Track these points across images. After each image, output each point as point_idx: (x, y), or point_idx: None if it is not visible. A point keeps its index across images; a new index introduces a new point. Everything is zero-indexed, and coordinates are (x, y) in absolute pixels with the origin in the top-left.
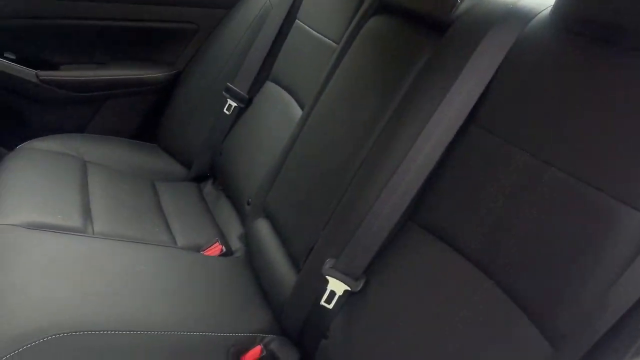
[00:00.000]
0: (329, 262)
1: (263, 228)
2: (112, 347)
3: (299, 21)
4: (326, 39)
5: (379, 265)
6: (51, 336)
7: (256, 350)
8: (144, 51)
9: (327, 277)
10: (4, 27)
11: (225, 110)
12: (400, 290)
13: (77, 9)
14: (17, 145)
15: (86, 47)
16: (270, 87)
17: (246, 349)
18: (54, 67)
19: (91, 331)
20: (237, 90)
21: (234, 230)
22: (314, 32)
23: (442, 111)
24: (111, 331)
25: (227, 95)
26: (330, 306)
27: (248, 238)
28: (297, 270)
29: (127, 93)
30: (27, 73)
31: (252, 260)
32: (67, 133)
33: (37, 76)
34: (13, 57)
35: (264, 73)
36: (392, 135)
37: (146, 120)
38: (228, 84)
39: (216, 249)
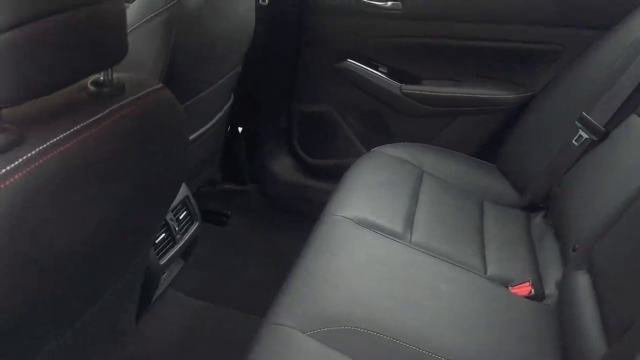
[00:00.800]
0: None
1: (582, 282)
2: (392, 354)
3: None
4: None
5: None
6: (349, 327)
7: None
8: (501, 71)
9: None
10: (382, 45)
11: (574, 141)
12: None
13: (445, 29)
14: (374, 147)
15: (446, 64)
16: (634, 121)
17: None
18: (416, 81)
19: (380, 334)
20: (593, 121)
21: (551, 274)
22: None
23: None
24: (397, 340)
25: (579, 125)
26: None
27: (563, 288)
28: (607, 344)
29: (477, 111)
30: (393, 86)
31: (560, 313)
32: (414, 142)
33: (401, 89)
34: (385, 70)
35: (630, 105)
36: None
37: (489, 139)
38: (583, 113)
39: (525, 288)
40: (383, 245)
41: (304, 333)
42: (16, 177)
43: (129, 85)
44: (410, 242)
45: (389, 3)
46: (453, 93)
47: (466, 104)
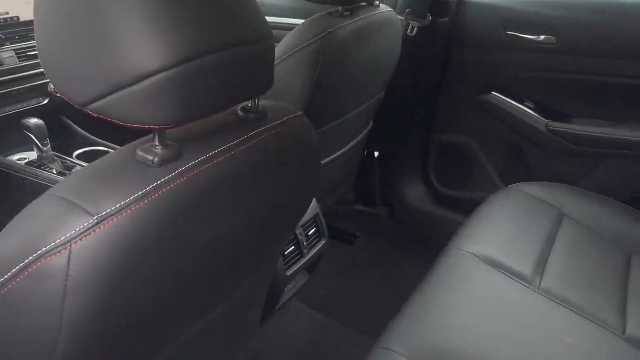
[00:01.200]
0: None
1: None
2: None
3: None
4: None
5: None
6: None
7: None
8: None
9: None
10: (531, 79)
11: None
12: None
13: (602, 66)
14: (512, 184)
15: (601, 103)
16: None
17: None
18: (565, 118)
19: None
20: None
21: None
22: None
23: None
24: None
25: None
26: None
27: None
28: None
29: (632, 155)
30: (539, 122)
31: None
32: (555, 182)
33: (547, 126)
34: (532, 105)
35: None
36: None
37: None
38: None
39: None
40: (508, 287)
41: None
42: (172, 185)
43: (271, 112)
44: (539, 287)
45: (542, 37)
46: (607, 134)
47: (621, 147)
